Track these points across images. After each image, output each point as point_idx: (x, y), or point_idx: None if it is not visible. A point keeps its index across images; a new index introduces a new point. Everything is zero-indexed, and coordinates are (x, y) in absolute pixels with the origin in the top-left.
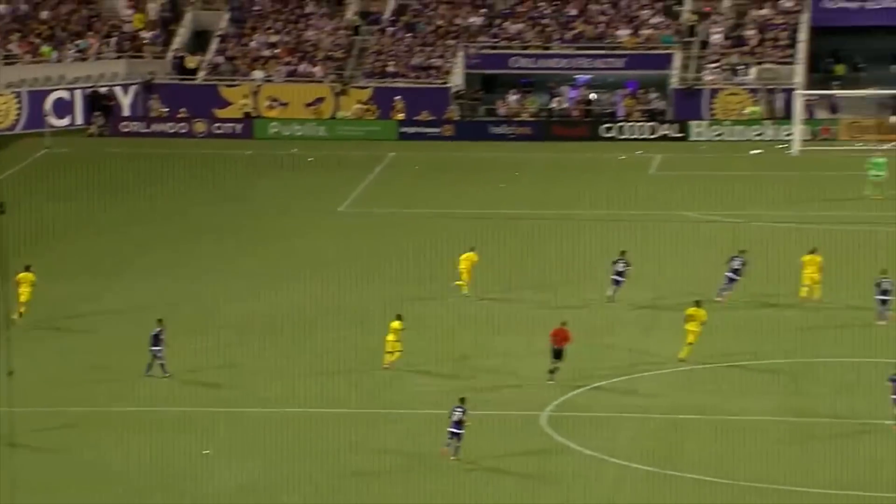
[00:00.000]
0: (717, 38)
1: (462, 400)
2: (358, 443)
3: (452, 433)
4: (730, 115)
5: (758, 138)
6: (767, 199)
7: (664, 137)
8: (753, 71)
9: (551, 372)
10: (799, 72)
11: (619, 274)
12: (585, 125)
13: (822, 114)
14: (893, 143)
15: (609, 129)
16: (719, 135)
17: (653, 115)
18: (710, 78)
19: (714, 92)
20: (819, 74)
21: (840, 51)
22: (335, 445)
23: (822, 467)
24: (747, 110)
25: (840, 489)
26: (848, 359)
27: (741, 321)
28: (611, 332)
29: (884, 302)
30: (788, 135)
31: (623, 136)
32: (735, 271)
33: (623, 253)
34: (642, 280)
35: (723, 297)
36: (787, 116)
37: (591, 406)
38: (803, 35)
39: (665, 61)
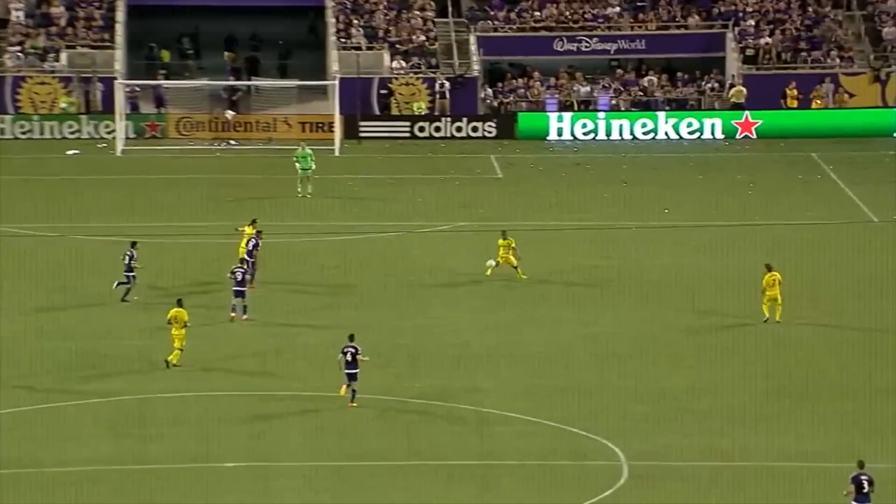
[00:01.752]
0: (18, 15)
1: None
2: None
3: None
4: (39, 108)
5: (74, 136)
6: (90, 208)
7: None
8: (65, 56)
9: None
10: (118, 58)
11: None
12: None
13: (148, 108)
14: (231, 142)
15: None
16: (27, 132)
17: None
18: (13, 64)
19: (18, 80)
20: (143, 62)
21: (166, 35)
22: None
23: None
24: (61, 103)
25: None
26: (181, 393)
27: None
28: None
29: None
30: (111, 132)
31: None
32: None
33: (133, 244)
34: None
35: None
36: (108, 111)
37: None
38: (121, 15)
39: None
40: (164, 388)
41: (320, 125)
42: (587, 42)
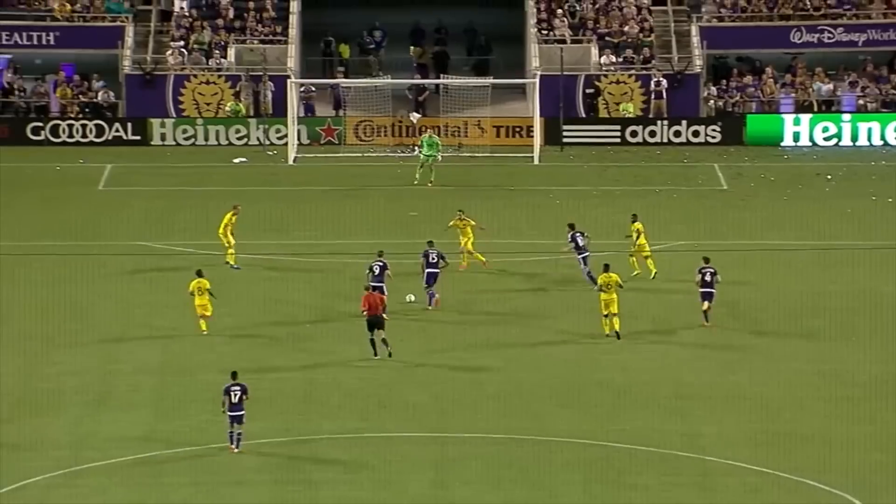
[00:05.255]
0: (182, 6)
1: None
2: None
3: None
4: (204, 111)
5: (242, 142)
6: (256, 222)
7: (117, 141)
8: (232, 52)
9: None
10: (292, 54)
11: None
12: (6, 124)
13: (324, 110)
14: (416, 149)
15: (39, 129)
16: (190, 137)
17: (98, 111)
18: (176, 61)
19: (181, 80)
20: (319, 58)
21: (345, 27)
22: None
23: None
24: (228, 105)
25: None
26: (353, 434)
27: None
28: None
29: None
30: (282, 137)
31: (59, 139)
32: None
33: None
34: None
35: None
36: (279, 113)
37: None
38: (296, 6)
39: (113, 37)
40: (335, 428)
41: (517, 129)
42: (830, 32)
